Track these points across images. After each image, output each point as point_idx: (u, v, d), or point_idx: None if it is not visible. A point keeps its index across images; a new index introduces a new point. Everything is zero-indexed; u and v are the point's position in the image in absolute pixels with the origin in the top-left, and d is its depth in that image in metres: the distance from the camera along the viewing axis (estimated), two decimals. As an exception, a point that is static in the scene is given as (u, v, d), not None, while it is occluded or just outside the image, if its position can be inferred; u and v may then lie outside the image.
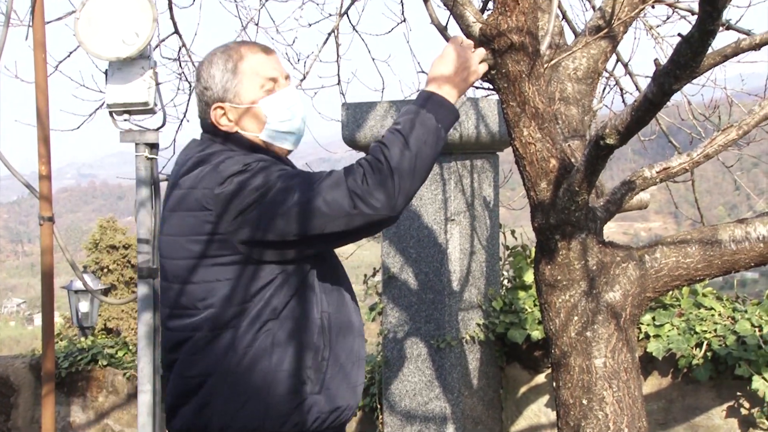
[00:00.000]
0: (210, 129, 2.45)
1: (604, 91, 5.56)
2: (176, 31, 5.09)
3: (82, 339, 7.40)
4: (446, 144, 4.54)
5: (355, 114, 4.70)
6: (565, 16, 4.91)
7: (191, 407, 2.32)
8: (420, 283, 4.71)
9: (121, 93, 4.18)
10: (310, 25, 5.28)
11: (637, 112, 2.51)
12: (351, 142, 4.72)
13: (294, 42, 5.28)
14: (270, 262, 2.25)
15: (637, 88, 5.18)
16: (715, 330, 4.62)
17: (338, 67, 5.41)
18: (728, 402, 4.58)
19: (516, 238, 5.42)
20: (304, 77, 4.97)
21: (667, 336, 4.64)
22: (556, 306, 3.00)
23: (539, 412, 4.99)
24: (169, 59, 5.32)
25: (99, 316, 26.52)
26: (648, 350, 4.62)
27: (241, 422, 2.26)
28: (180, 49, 5.20)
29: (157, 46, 4.98)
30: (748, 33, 3.90)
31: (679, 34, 2.33)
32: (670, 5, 4.42)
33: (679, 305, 4.88)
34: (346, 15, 5.11)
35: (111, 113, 4.29)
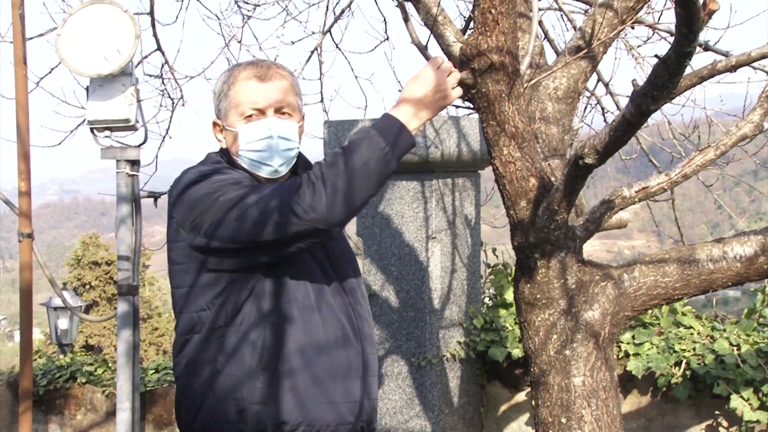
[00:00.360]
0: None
1: (585, 110, 5.60)
2: (159, 48, 5.08)
3: (61, 356, 7.35)
4: (426, 162, 4.59)
5: (338, 131, 4.71)
6: (547, 36, 4.94)
7: (179, 408, 2.42)
8: (401, 300, 4.71)
9: (102, 110, 4.17)
10: (293, 42, 5.29)
11: (615, 132, 2.53)
12: (333, 159, 4.72)
13: (276, 59, 5.28)
14: (223, 270, 2.30)
15: (618, 108, 5.21)
16: (694, 349, 4.64)
17: (321, 84, 5.43)
18: (707, 421, 4.60)
19: (497, 256, 5.43)
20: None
21: (647, 354, 4.66)
22: (536, 324, 3.01)
23: (519, 430, 4.99)
24: (152, 76, 5.31)
25: (81, 333, 26.39)
26: (628, 369, 4.63)
27: (200, 424, 2.32)
28: (163, 65, 5.19)
29: (139, 63, 4.98)
30: (726, 54, 3.94)
31: (656, 56, 2.35)
32: (650, 26, 4.46)
33: (659, 324, 4.90)
34: (329, 33, 5.13)
35: (92, 130, 4.28)
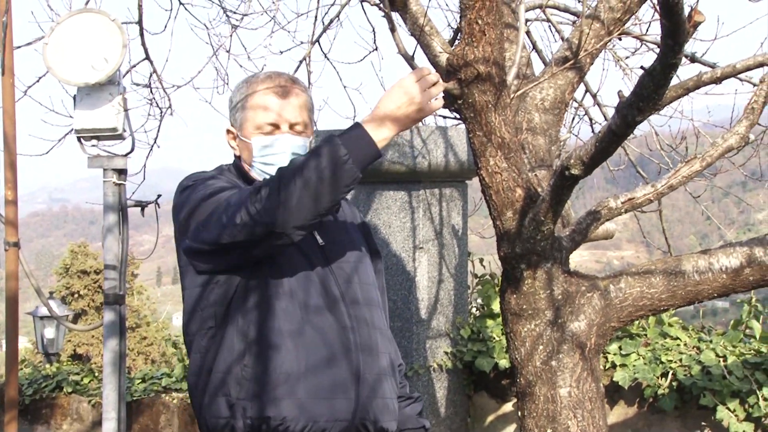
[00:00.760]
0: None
1: (573, 120, 5.62)
2: (147, 57, 5.07)
3: (47, 366, 7.31)
4: (413, 172, 4.59)
5: (325, 141, 4.70)
6: (535, 47, 4.96)
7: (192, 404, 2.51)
8: (388, 310, 4.70)
9: (89, 118, 4.16)
10: (281, 52, 5.28)
11: (601, 143, 2.54)
12: (321, 169, 4.71)
13: (263, 68, 5.28)
14: (208, 273, 2.38)
15: (606, 119, 5.23)
16: (681, 360, 4.64)
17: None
18: (693, 432, 4.60)
19: (484, 267, 5.43)
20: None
21: (634, 365, 4.66)
22: (522, 335, 3.01)
23: (507, 441, 4.98)
24: (141, 85, 5.30)
25: (69, 342, 26.28)
26: (614, 379, 4.63)
27: (203, 420, 2.40)
28: (151, 75, 5.18)
29: (128, 72, 4.96)
30: (712, 66, 3.96)
31: (642, 67, 2.36)
32: (637, 37, 4.48)
33: (646, 335, 4.90)
34: (317, 43, 5.13)
35: (79, 139, 4.26)
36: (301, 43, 5.23)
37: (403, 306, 4.67)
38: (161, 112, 5.25)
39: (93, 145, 4.28)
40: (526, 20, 4.64)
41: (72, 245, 30.24)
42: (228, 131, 2.58)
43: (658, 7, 2.21)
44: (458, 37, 4.46)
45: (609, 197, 3.08)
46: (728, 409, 4.43)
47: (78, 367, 6.80)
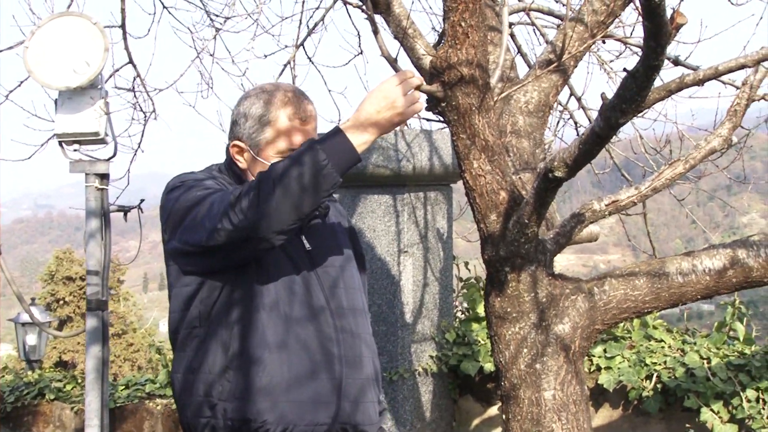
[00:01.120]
0: (226, 153, 2.57)
1: (558, 123, 5.63)
2: (131, 61, 5.05)
3: (29, 372, 7.26)
4: (398, 176, 4.57)
5: (309, 145, 4.69)
6: (519, 50, 4.96)
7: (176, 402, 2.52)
8: (373, 315, 4.68)
9: (70, 123, 4.13)
10: (265, 56, 5.28)
11: (584, 145, 2.54)
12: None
13: (246, 72, 5.27)
14: (195, 273, 2.39)
15: (590, 122, 5.23)
16: (665, 362, 4.65)
17: (294, 98, 5.39)
18: (678, 434, 4.60)
19: (469, 270, 5.43)
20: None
21: (618, 368, 4.66)
22: (506, 338, 3.00)
23: (492, 445, 4.97)
24: (124, 89, 5.28)
25: (54, 349, 26.12)
26: (599, 382, 4.63)
27: (185, 419, 2.42)
28: (134, 79, 5.16)
29: (111, 76, 4.95)
30: (695, 69, 3.97)
31: (624, 69, 2.36)
32: (620, 40, 4.49)
33: (630, 337, 4.90)
34: (302, 47, 5.12)
35: (60, 143, 4.23)
36: (286, 46, 5.23)
37: (387, 310, 4.66)
38: (145, 116, 5.23)
39: (75, 150, 4.25)
40: (510, 23, 4.65)
41: (57, 251, 30.08)
42: (236, 145, 2.51)
43: (640, 9, 2.21)
44: (442, 40, 4.47)
45: (593, 200, 3.08)
46: (712, 410, 4.43)
47: (61, 373, 6.75)
